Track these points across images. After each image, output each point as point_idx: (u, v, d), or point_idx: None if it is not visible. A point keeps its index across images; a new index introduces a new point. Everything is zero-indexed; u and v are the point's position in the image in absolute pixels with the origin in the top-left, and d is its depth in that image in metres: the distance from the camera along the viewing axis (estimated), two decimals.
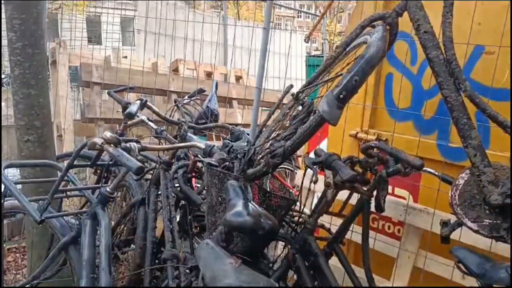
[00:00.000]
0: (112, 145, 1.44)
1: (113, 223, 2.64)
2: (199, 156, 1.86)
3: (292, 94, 1.83)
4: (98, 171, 2.80)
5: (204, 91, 3.13)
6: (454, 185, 1.47)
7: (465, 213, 1.44)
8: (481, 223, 1.41)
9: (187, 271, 1.82)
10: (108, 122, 3.75)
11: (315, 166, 1.52)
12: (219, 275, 1.17)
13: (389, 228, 2.32)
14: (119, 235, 2.50)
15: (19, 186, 1.96)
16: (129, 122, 2.67)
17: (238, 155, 1.70)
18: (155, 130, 2.27)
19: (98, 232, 1.69)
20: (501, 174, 1.38)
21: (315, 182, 1.48)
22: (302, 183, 1.77)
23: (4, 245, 3.10)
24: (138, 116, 2.65)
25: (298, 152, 2.47)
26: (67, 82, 3.87)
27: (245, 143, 1.83)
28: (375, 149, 1.64)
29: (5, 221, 3.17)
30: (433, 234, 1.91)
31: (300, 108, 1.67)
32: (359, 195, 1.80)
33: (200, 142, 1.97)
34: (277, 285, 1.22)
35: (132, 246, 2.44)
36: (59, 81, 3.77)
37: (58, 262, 1.90)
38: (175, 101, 2.94)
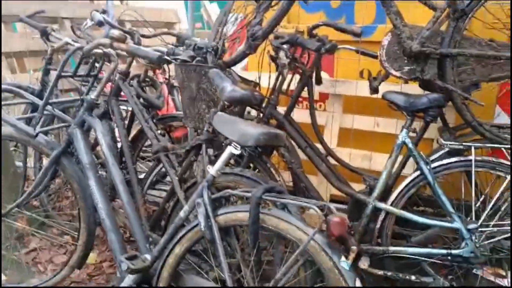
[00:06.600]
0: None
1: None
2: (168, 58, 2.03)
3: None
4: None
5: (106, 11, 3.09)
6: (381, 46, 1.96)
7: (390, 65, 1.96)
8: (402, 70, 1.95)
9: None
10: (9, 57, 3.47)
11: (284, 45, 1.87)
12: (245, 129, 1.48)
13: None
14: None
15: None
16: (55, 46, 2.61)
17: (208, 49, 1.95)
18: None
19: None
20: (414, 32, 1.90)
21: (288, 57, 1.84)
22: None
23: None
24: (60, 39, 2.61)
25: None
26: None
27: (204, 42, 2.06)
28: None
29: None
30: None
31: None
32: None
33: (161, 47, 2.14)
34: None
35: None
36: None
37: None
38: (72, 28, 2.83)
